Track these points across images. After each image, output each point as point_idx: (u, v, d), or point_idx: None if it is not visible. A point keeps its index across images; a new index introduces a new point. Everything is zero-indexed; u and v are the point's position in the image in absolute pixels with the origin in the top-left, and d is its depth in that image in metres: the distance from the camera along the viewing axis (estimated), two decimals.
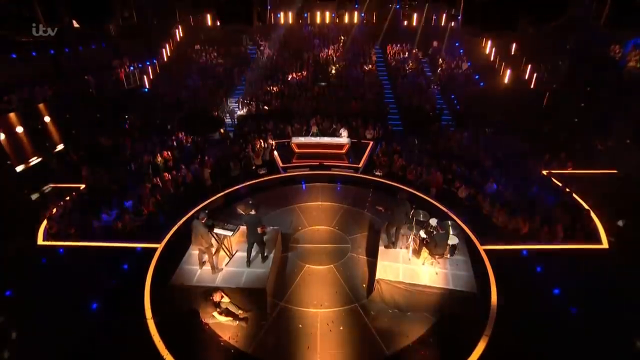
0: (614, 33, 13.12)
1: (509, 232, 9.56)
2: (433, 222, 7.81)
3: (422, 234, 7.63)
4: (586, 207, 10.12)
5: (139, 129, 15.79)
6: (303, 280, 8.19)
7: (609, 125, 12.53)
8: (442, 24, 20.27)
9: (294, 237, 9.60)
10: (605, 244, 8.97)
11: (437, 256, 7.35)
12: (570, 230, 9.26)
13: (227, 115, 17.97)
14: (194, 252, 7.87)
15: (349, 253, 9.01)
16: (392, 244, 8.06)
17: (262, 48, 21.43)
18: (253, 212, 7.31)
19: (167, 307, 7.15)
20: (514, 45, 17.37)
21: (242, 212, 7.81)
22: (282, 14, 20.43)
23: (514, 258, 8.72)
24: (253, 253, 7.67)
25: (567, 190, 10.85)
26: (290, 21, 20.66)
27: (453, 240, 7.55)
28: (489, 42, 18.62)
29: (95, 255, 8.80)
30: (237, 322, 6.93)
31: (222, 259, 7.80)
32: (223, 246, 7.81)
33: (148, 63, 18.38)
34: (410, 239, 7.91)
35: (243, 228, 7.75)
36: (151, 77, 18.52)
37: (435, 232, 7.37)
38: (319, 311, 7.30)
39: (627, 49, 12.95)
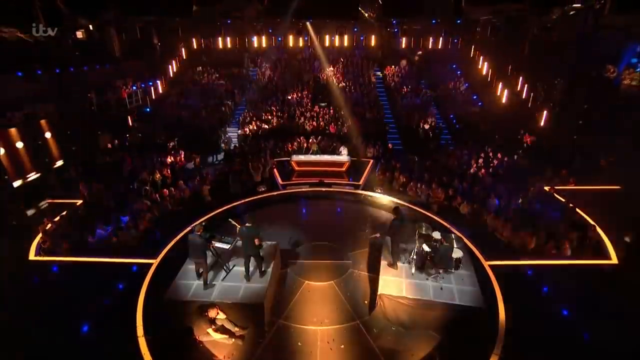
0: (607, 51, 13.47)
1: (515, 247, 9.32)
2: (436, 235, 7.63)
3: (426, 247, 7.42)
4: (591, 222, 9.93)
5: (138, 146, 15.81)
6: (302, 296, 7.88)
7: (608, 141, 12.53)
8: (440, 47, 20.81)
9: (293, 252, 9.35)
10: (614, 260, 8.71)
11: (441, 270, 7.10)
12: (578, 245, 9.03)
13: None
14: (190, 267, 7.63)
15: (349, 269, 8.73)
16: (395, 263, 7.79)
17: (263, 69, 21.89)
18: (249, 224, 7.12)
19: (159, 324, 6.82)
20: (510, 65, 17.73)
21: (236, 224, 7.60)
22: (282, 36, 21.04)
23: (521, 274, 8.43)
24: (251, 268, 7.42)
25: (571, 205, 10.69)
26: (291, 44, 21.22)
27: (457, 253, 7.33)
28: (485, 63, 19.01)
29: (87, 271, 8.51)
30: (233, 340, 6.59)
31: (218, 274, 7.53)
32: (220, 260, 7.56)
33: (150, 83, 18.70)
34: (413, 254, 7.69)
35: (240, 243, 7.55)
36: (153, 97, 18.78)
37: (439, 245, 7.16)
38: (319, 329, 6.97)
39: (621, 68, 13.19)
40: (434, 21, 18.08)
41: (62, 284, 8.26)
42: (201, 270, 7.21)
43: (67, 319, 7.08)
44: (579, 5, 13.16)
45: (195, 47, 20.62)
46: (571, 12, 13.06)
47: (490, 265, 8.56)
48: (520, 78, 16.66)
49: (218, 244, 7.29)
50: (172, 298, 6.90)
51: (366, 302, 7.70)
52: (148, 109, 18.77)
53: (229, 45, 20.53)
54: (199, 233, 6.84)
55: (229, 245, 7.31)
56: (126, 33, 14.19)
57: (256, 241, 6.97)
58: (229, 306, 6.82)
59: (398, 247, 7.76)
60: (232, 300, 6.87)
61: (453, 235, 7.86)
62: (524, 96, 16.40)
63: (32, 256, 8.95)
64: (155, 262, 8.81)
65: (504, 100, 17.30)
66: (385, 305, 7.02)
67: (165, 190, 11.82)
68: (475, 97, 19.30)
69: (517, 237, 9.46)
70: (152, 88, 18.54)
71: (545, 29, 14.30)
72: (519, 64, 17.37)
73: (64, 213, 10.44)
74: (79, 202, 11.29)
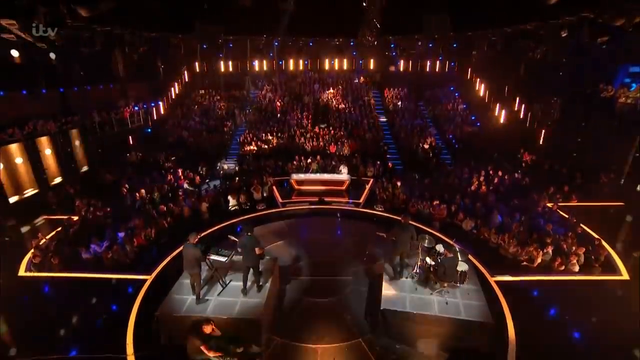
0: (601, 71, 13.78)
1: (521, 263, 9.05)
2: (440, 248, 7.42)
3: (429, 260, 7.18)
4: (596, 237, 9.71)
5: (138, 165, 15.81)
6: (301, 313, 7.54)
7: (608, 158, 12.55)
8: (437, 70, 21.32)
9: (292, 269, 9.07)
10: (625, 275, 8.43)
11: (446, 284, 6.83)
12: (585, 261, 8.78)
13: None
14: (184, 281, 7.36)
15: (350, 285, 8.42)
16: (397, 275, 7.53)
17: (263, 92, 22.31)
18: (249, 234, 6.92)
19: (151, 342, 6.47)
20: (506, 86, 18.08)
21: (236, 239, 7.41)
22: (283, 60, 21.61)
23: (528, 290, 8.14)
24: (249, 283, 7.15)
25: (574, 221, 10.51)
26: (291, 67, 21.76)
27: (462, 266, 7.08)
28: (482, 85, 19.39)
29: (78, 287, 8.22)
30: (228, 358, 6.21)
31: (214, 288, 7.24)
32: (217, 274, 7.30)
33: (153, 104, 18.97)
34: (416, 268, 7.44)
35: (237, 257, 7.33)
36: (155, 117, 19.00)
37: (443, 257, 6.93)
38: (319, 346, 6.60)
39: (616, 87, 13.44)
40: (430, 44, 18.63)
41: (51, 301, 7.93)
42: (195, 283, 6.94)
43: (53, 336, 6.74)
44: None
45: (197, 70, 21.11)
46: (563, 35, 13.43)
47: (496, 281, 8.29)
48: (517, 98, 16.93)
49: (214, 257, 7.05)
50: (165, 313, 6.59)
51: (368, 318, 7.36)
52: (149, 130, 18.93)
53: (230, 69, 21.03)
54: (194, 242, 6.63)
55: (226, 258, 7.07)
56: (130, 55, 14.60)
57: (257, 250, 6.75)
58: (224, 322, 6.48)
59: (403, 260, 7.52)
60: (227, 316, 6.55)
61: (457, 247, 7.65)
62: (521, 116, 16.59)
63: (22, 272, 8.66)
64: (149, 278, 8.53)
65: (502, 120, 17.50)
66: (388, 321, 6.69)
67: (162, 206, 11.67)
68: (473, 117, 19.54)
69: (522, 252, 9.21)
70: (153, 109, 18.78)
71: (540, 51, 14.73)
72: (515, 84, 17.72)
73: (59, 229, 10.22)
74: (75, 218, 11.08)
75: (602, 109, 13.46)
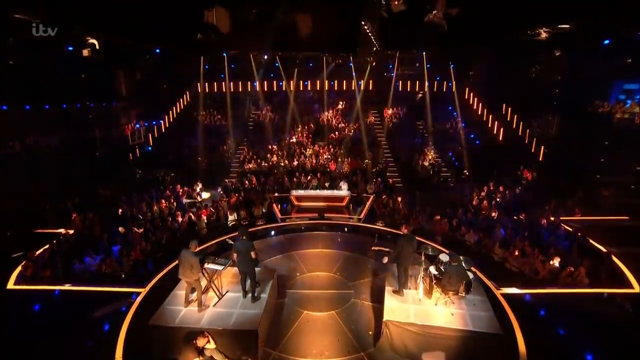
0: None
1: (527, 275, 8.78)
2: (444, 257, 7.20)
3: (433, 269, 6.95)
4: (604, 250, 9.48)
5: (138, 182, 15.74)
6: (301, 327, 7.21)
7: (609, 172, 12.53)
8: (436, 90, 21.71)
9: (290, 282, 8.77)
10: (637, 288, 8.14)
11: (451, 293, 6.57)
12: (593, 273, 8.51)
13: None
14: (179, 292, 7.09)
15: (351, 299, 8.11)
16: (401, 289, 7.25)
17: (264, 111, 22.63)
18: (244, 238, 6.73)
19: (141, 353, 6.13)
20: (503, 105, 18.35)
21: (230, 241, 7.23)
22: (284, 81, 22.03)
23: (537, 303, 7.83)
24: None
25: (580, 234, 10.30)
26: (292, 88, 22.14)
27: (467, 276, 6.82)
28: (480, 104, 19.68)
29: (69, 300, 7.92)
30: None
31: (210, 299, 6.96)
32: (213, 285, 7.04)
33: (154, 123, 19.15)
34: (419, 278, 7.18)
35: (235, 269, 7.12)
36: (155, 135, 19.12)
37: (448, 265, 6.70)
38: None
39: (612, 103, 13.62)
40: (428, 65, 19.09)
41: (39, 313, 7.61)
42: (191, 296, 6.68)
43: (40, 350, 6.41)
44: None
45: (199, 90, 21.49)
46: (557, 54, 13.80)
47: (502, 294, 7.99)
48: (515, 116, 17.14)
49: (211, 266, 6.82)
50: (157, 324, 6.28)
51: (370, 332, 7.02)
52: (149, 148, 19.01)
53: (231, 89, 21.43)
54: (193, 250, 6.44)
55: (223, 267, 6.84)
56: (133, 73, 14.97)
57: (252, 254, 6.55)
58: (219, 333, 6.17)
59: (407, 272, 7.28)
60: (223, 327, 6.25)
61: (461, 257, 7.41)
62: (519, 133, 16.72)
63: (10, 285, 8.36)
64: (143, 290, 8.23)
65: (500, 138, 17.63)
66: (391, 334, 6.37)
67: (159, 221, 11.49)
68: (472, 135, 19.69)
69: (527, 265, 8.96)
70: (155, 127, 18.94)
71: (535, 69, 15.09)
72: (512, 102, 18.00)
73: (53, 241, 9.99)
74: (71, 231, 10.89)
75: (599, 125, 13.58)
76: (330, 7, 8.43)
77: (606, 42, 12.53)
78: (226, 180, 16.85)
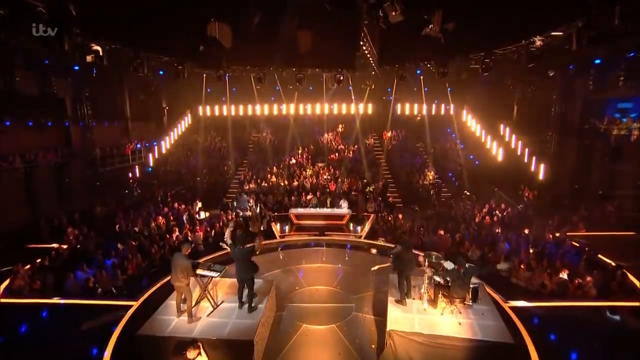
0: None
1: (534, 289, 8.45)
2: (448, 265, 6.93)
3: (437, 277, 6.67)
4: (613, 263, 9.19)
5: (136, 200, 15.60)
6: (299, 340, 6.82)
7: (611, 187, 12.45)
8: (434, 113, 22.07)
9: (289, 296, 8.42)
10: None
11: (457, 301, 6.26)
12: (605, 286, 8.20)
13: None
14: (171, 302, 6.76)
15: (353, 312, 7.74)
16: (404, 298, 6.95)
17: (264, 134, 22.89)
18: (242, 246, 6.49)
19: None
20: (501, 125, 18.56)
21: (226, 246, 6.99)
22: (284, 105, 22.46)
23: (547, 315, 7.46)
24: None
25: (587, 249, 10.03)
26: (292, 111, 22.51)
27: (473, 283, 6.54)
28: (478, 125, 19.92)
29: (58, 313, 7.56)
30: None
31: (204, 309, 6.63)
32: (208, 294, 6.73)
33: (155, 143, 19.28)
34: (423, 288, 6.88)
35: (231, 280, 6.85)
36: (156, 156, 19.19)
37: (454, 271, 6.43)
38: None
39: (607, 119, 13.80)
40: (426, 89, 19.55)
41: (27, 326, 7.22)
42: (183, 307, 6.35)
43: None
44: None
45: (201, 113, 21.81)
46: (551, 74, 14.13)
47: (510, 307, 7.65)
48: (514, 136, 17.29)
49: (205, 272, 6.54)
50: (147, 334, 5.93)
51: (373, 346, 6.62)
52: (150, 168, 19.01)
53: (232, 113, 21.78)
54: (185, 254, 6.20)
55: (218, 274, 6.56)
56: (137, 94, 15.29)
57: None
58: (213, 344, 5.80)
59: (409, 281, 7.00)
60: (217, 337, 5.89)
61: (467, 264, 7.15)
62: (518, 152, 16.79)
63: None
64: (135, 304, 7.87)
65: (499, 158, 17.67)
66: (395, 345, 6.00)
67: (156, 236, 11.25)
68: (471, 157, 19.77)
69: (534, 278, 8.64)
70: (155, 147, 19.05)
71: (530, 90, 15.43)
72: (509, 122, 18.23)
73: (45, 256, 9.70)
74: (65, 246, 10.61)
75: (598, 142, 13.66)
76: (329, 23, 8.68)
77: (597, 61, 12.92)
78: (225, 200, 16.74)
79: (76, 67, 13.14)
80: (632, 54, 11.59)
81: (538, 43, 8.88)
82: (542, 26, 8.08)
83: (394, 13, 7.22)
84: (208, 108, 22.00)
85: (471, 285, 6.43)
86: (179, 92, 19.72)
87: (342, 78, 15.66)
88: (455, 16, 7.94)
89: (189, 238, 11.84)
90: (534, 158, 15.86)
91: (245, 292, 6.65)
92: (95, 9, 6.64)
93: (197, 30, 8.07)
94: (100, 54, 7.86)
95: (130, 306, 7.79)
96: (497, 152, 18.05)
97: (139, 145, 17.95)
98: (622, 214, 11.91)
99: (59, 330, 7.00)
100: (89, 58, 7.59)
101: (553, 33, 8.19)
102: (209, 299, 6.71)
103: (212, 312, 6.55)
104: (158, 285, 8.72)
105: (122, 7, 7.05)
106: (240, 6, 8.00)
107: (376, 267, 7.82)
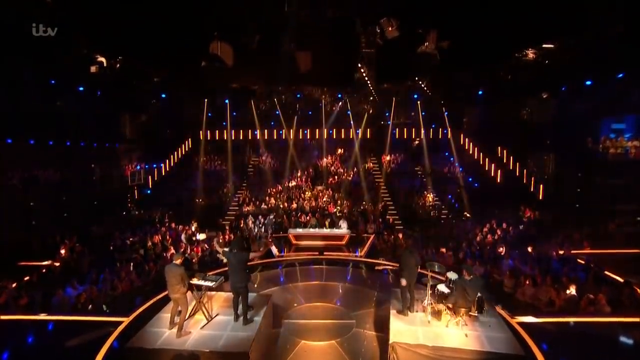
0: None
1: (540, 305, 8.14)
2: (452, 275, 6.72)
3: (441, 287, 6.45)
4: (621, 279, 8.93)
5: (135, 221, 15.41)
6: (297, 356, 6.48)
7: (614, 206, 12.38)
8: (431, 137, 22.41)
9: (287, 313, 8.08)
10: None
11: (463, 311, 6.00)
12: (615, 302, 7.90)
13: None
14: (164, 315, 6.48)
15: (353, 329, 7.40)
16: (406, 309, 6.69)
17: (264, 157, 23.06)
18: (236, 252, 6.30)
19: None
20: (498, 147, 18.77)
21: (218, 249, 6.78)
22: (284, 130, 22.84)
23: (557, 332, 7.13)
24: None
25: (592, 265, 9.79)
26: (292, 136, 22.85)
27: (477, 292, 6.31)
28: (476, 148, 20.15)
29: (44, 330, 7.21)
30: None
31: (197, 321, 6.33)
32: (202, 307, 6.45)
33: (155, 166, 19.34)
34: (427, 299, 6.62)
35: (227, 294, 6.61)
36: (155, 178, 19.19)
37: (461, 279, 6.23)
38: None
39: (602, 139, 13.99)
40: (423, 113, 20.00)
41: (10, 343, 6.86)
42: (177, 319, 6.07)
43: None
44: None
45: (201, 136, 22.11)
46: (544, 97, 14.53)
47: (518, 323, 7.32)
48: (511, 158, 17.44)
49: (200, 282, 6.32)
50: (137, 346, 5.61)
51: None
52: (149, 191, 18.96)
53: (232, 137, 22.10)
54: (177, 262, 6.01)
55: (214, 283, 6.33)
56: (138, 116, 15.55)
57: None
58: (206, 356, 5.49)
59: (412, 291, 6.76)
60: (211, 349, 5.58)
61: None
62: (517, 174, 16.87)
63: None
64: (126, 320, 7.52)
65: (498, 179, 17.74)
66: (399, 357, 5.66)
67: (152, 255, 11.00)
68: (470, 179, 19.82)
69: (540, 293, 8.35)
70: (155, 170, 19.10)
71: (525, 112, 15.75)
72: (507, 144, 18.44)
73: (34, 273, 9.42)
74: (57, 263, 10.33)
75: (595, 160, 13.76)
76: (327, 42, 8.99)
77: (588, 82, 13.28)
78: (222, 222, 16.54)
79: (80, 88, 13.48)
80: (620, 75, 11.96)
81: (530, 56, 9.17)
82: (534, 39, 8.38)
83: (390, 29, 7.48)
84: (208, 133, 22.34)
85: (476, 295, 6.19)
86: (180, 116, 20.09)
87: (341, 97, 15.93)
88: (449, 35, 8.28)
89: (186, 255, 11.62)
90: (532, 178, 15.92)
91: (241, 304, 6.38)
92: (99, 20, 6.89)
93: (199, 49, 8.33)
94: (105, 65, 8.10)
95: (121, 322, 7.43)
96: (496, 174, 18.16)
97: (138, 167, 17.99)
98: (626, 228, 11.74)
99: (44, 347, 6.64)
100: (93, 69, 7.80)
101: (544, 45, 8.51)
102: (203, 311, 6.43)
103: (206, 324, 6.25)
104: (151, 302, 8.38)
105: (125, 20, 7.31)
106: (240, 28, 8.34)
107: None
